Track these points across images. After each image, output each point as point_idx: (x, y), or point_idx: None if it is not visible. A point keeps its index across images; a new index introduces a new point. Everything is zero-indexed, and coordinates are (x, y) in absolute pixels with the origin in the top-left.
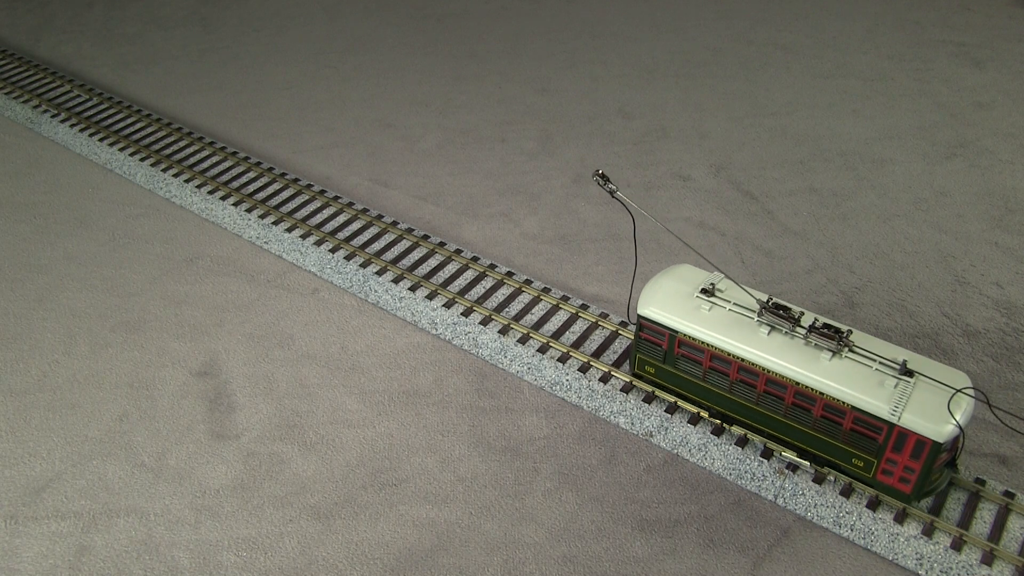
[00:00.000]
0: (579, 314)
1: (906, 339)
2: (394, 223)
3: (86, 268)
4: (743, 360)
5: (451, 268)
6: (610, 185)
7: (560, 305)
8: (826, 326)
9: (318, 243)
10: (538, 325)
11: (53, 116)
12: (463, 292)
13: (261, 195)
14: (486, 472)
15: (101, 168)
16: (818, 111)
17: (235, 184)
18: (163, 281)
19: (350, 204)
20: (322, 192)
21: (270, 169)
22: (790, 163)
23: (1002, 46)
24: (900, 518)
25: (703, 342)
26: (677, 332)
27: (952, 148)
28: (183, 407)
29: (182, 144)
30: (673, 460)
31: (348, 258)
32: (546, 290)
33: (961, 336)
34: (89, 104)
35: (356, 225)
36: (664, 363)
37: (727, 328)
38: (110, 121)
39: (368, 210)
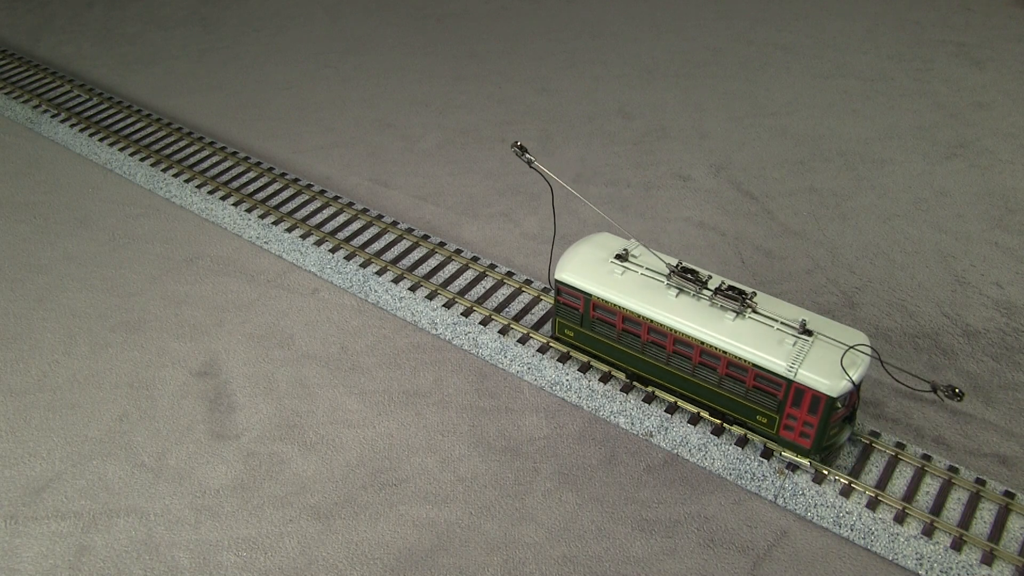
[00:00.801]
0: None
1: (906, 339)
2: (394, 223)
3: (86, 268)
4: (652, 321)
5: (451, 268)
6: (527, 156)
7: None
8: (731, 288)
9: (318, 243)
10: (538, 325)
11: (53, 116)
12: (463, 292)
13: (261, 195)
14: (486, 472)
15: (101, 168)
16: (818, 111)
17: (235, 184)
18: (163, 281)
19: (350, 204)
20: (322, 192)
21: (270, 169)
22: (790, 163)
23: (1002, 46)
24: (900, 518)
25: (616, 305)
26: (591, 295)
27: (952, 148)
28: (183, 407)
29: (182, 144)
30: (673, 460)
31: (348, 258)
32: (546, 290)
33: (961, 336)
34: (89, 104)
35: (356, 225)
36: (581, 326)
37: (638, 291)
38: (110, 121)
39: (368, 210)
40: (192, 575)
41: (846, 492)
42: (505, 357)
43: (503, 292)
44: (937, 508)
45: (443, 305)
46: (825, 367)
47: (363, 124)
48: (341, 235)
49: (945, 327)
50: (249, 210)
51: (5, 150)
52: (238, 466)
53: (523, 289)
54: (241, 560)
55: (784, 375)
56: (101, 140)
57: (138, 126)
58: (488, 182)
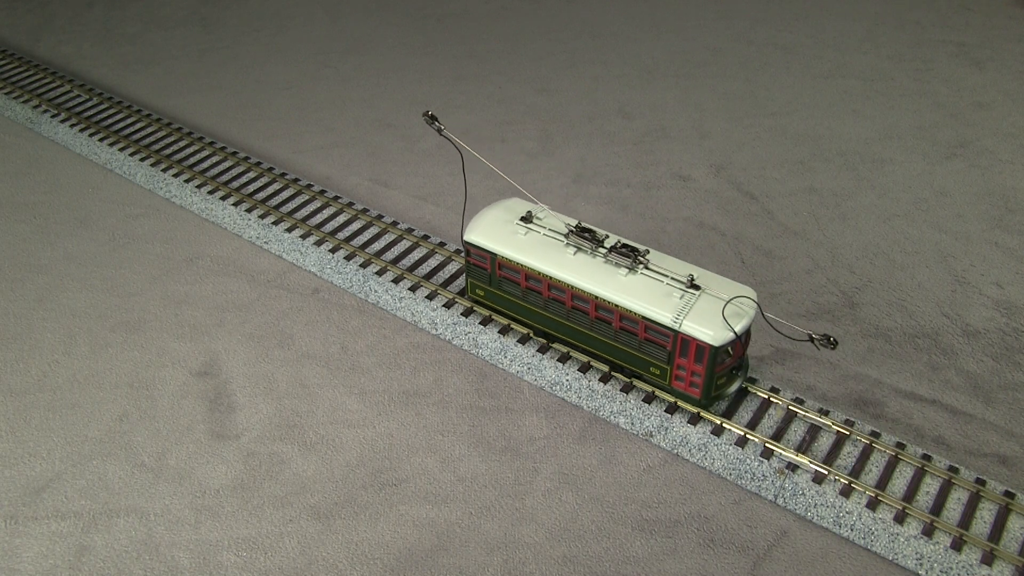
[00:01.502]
0: None
1: (906, 339)
2: (394, 223)
3: (86, 268)
4: (552, 278)
5: (451, 268)
6: (437, 124)
7: None
8: (624, 246)
9: (318, 243)
10: None
11: (53, 116)
12: (463, 292)
13: (261, 195)
14: (486, 472)
15: (101, 168)
16: (818, 111)
17: (235, 184)
18: (163, 281)
19: (350, 204)
20: (322, 192)
21: (270, 169)
22: (790, 163)
23: (1002, 46)
24: (900, 518)
25: (518, 263)
26: (497, 255)
27: (952, 148)
28: (183, 407)
29: (182, 144)
30: (673, 460)
31: (348, 258)
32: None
33: (961, 336)
34: (89, 104)
35: (356, 225)
36: (490, 285)
37: (538, 250)
38: (110, 121)
39: (368, 210)
40: (192, 575)
41: (846, 492)
42: (505, 357)
43: None
44: (937, 508)
45: (443, 305)
46: (708, 318)
47: (363, 124)
48: (341, 235)
49: (945, 327)
50: (249, 210)
51: (5, 150)
52: (238, 466)
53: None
54: (241, 560)
55: (670, 326)
56: (101, 140)
57: (138, 126)
58: (488, 182)
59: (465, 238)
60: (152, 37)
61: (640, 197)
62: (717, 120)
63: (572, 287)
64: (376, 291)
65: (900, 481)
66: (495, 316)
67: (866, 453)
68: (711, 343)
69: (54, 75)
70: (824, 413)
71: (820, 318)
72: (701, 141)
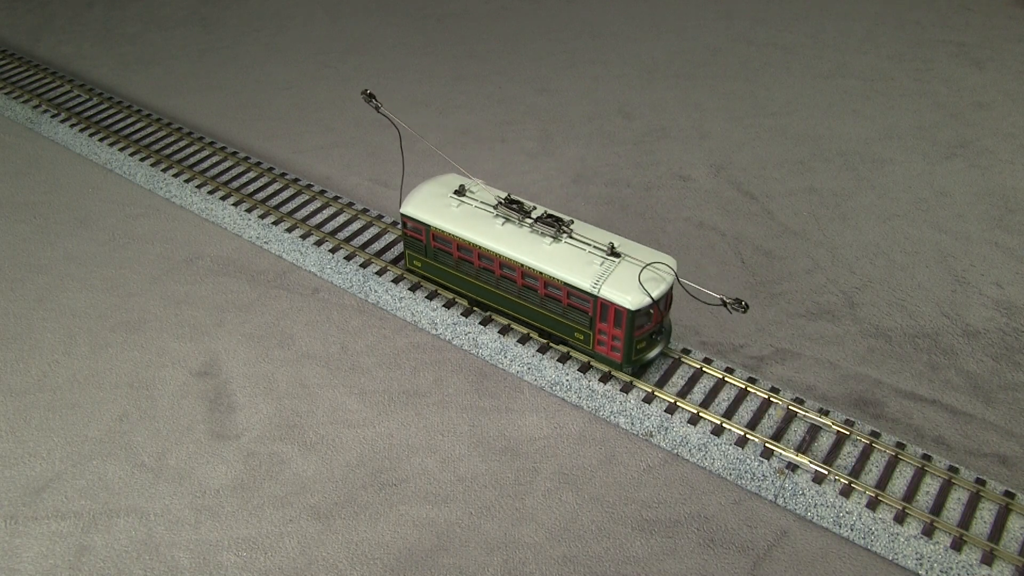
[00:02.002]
0: None
1: (906, 339)
2: (394, 223)
3: (86, 268)
4: (481, 248)
5: None
6: (375, 102)
7: None
8: (550, 216)
9: (318, 243)
10: None
11: (53, 116)
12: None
13: (261, 195)
14: (486, 472)
15: (101, 168)
16: (818, 111)
17: (235, 184)
18: (163, 281)
19: (350, 204)
20: (322, 192)
21: (270, 169)
22: (790, 163)
23: (1002, 46)
24: (900, 518)
25: (450, 234)
26: (431, 226)
27: (952, 148)
28: (183, 407)
29: (182, 144)
30: (673, 460)
31: (348, 258)
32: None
33: (961, 336)
34: (89, 104)
35: (356, 225)
36: (426, 257)
37: (468, 221)
38: (110, 121)
39: (368, 210)
40: (192, 575)
41: (846, 492)
42: (505, 357)
43: None
44: (937, 508)
45: (443, 305)
46: (626, 284)
47: (363, 124)
48: (341, 235)
49: (945, 327)
50: (249, 210)
51: (5, 150)
52: (238, 466)
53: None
54: (241, 560)
55: (590, 292)
56: (101, 140)
57: (138, 126)
58: (488, 182)
59: (401, 211)
60: (152, 37)
61: (640, 197)
62: (717, 120)
63: (500, 256)
64: (376, 291)
65: (900, 481)
66: (428, 285)
67: (866, 453)
68: (628, 307)
69: (54, 75)
70: (824, 413)
71: (820, 318)
72: (701, 141)
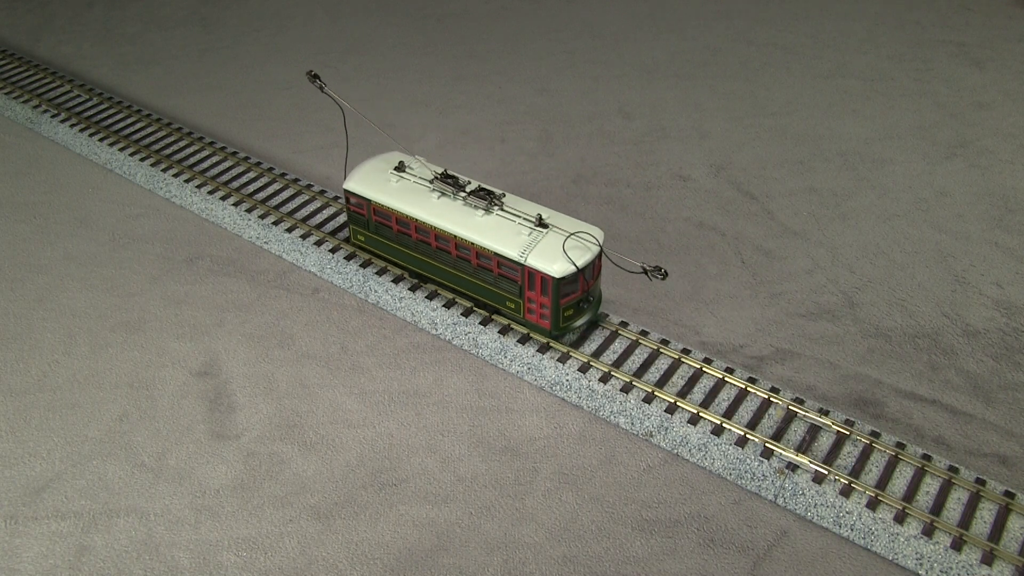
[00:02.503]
0: None
1: (906, 339)
2: None
3: (86, 268)
4: (418, 221)
5: None
6: (319, 82)
7: None
8: (482, 189)
9: (318, 243)
10: None
11: (53, 116)
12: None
13: (261, 195)
14: (486, 472)
15: (101, 168)
16: (818, 111)
17: (235, 184)
18: (163, 281)
19: None
20: (322, 192)
21: (270, 169)
22: (790, 163)
23: (1002, 46)
24: (900, 518)
25: (389, 208)
26: (372, 201)
27: (952, 148)
28: (183, 407)
29: (182, 144)
30: (673, 460)
31: (348, 258)
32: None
33: (961, 336)
34: (89, 104)
35: None
36: (368, 230)
37: (406, 196)
38: (110, 121)
39: None
40: (192, 575)
41: (846, 492)
42: (505, 357)
43: None
44: (937, 508)
45: (443, 305)
46: (551, 253)
47: (363, 124)
48: (341, 235)
49: (945, 327)
50: (249, 210)
51: (5, 150)
52: (238, 466)
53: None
54: (241, 560)
55: (518, 260)
56: (101, 140)
57: (138, 126)
58: (488, 182)
59: (344, 186)
60: (152, 37)
61: (640, 197)
62: (717, 120)
63: (435, 228)
64: (376, 291)
65: (900, 481)
66: (376, 260)
67: (866, 453)
68: (553, 275)
69: (54, 75)
70: (824, 413)
71: (820, 318)
72: (701, 141)
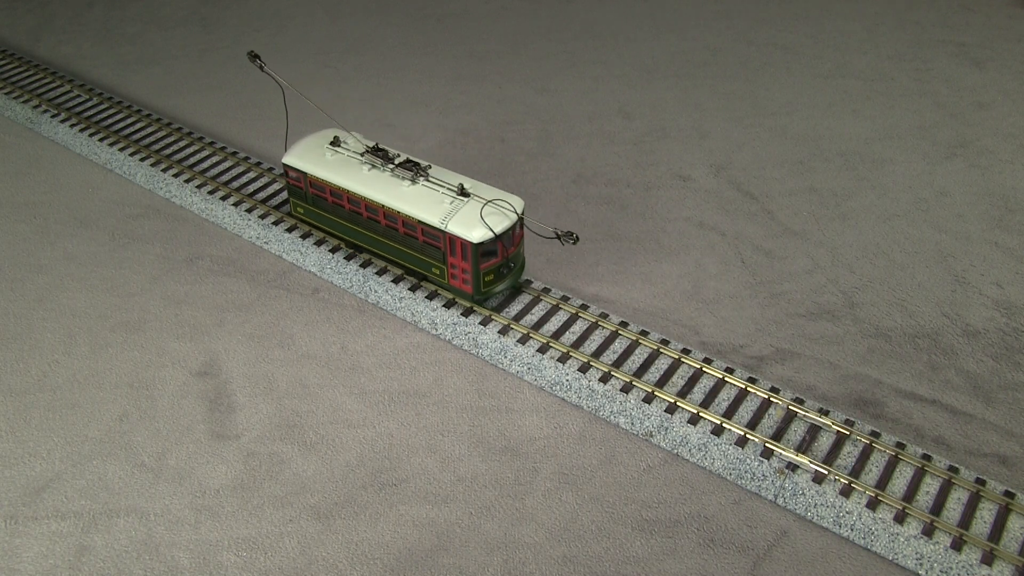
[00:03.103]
0: (579, 314)
1: (906, 339)
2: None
3: (86, 268)
4: (349, 192)
5: None
6: (259, 61)
7: (560, 305)
8: (409, 161)
9: (318, 243)
10: (538, 325)
11: (53, 116)
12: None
13: (261, 195)
14: (486, 472)
15: (101, 168)
16: (818, 111)
17: (235, 184)
18: (163, 281)
19: None
20: None
21: (270, 169)
22: (790, 163)
23: (1002, 46)
24: (900, 518)
25: (323, 180)
26: (308, 174)
27: (952, 148)
28: (183, 407)
29: (182, 144)
30: (673, 460)
31: (348, 258)
32: (546, 290)
33: (961, 336)
34: (89, 104)
35: None
36: (306, 202)
37: (339, 168)
38: (110, 121)
39: None
40: (192, 575)
41: (846, 492)
42: (505, 357)
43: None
44: (937, 508)
45: (443, 305)
46: (470, 220)
47: (363, 124)
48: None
49: (945, 327)
50: (249, 210)
51: (5, 150)
52: (238, 466)
53: (523, 289)
54: (241, 560)
55: (439, 227)
56: (101, 140)
57: (138, 126)
58: (488, 182)
59: (283, 161)
60: (152, 37)
61: (640, 197)
62: (717, 120)
63: (365, 199)
64: (376, 291)
65: (900, 481)
66: (317, 234)
67: (866, 453)
68: (472, 240)
69: (54, 75)
70: (824, 413)
71: (820, 318)
72: (701, 141)
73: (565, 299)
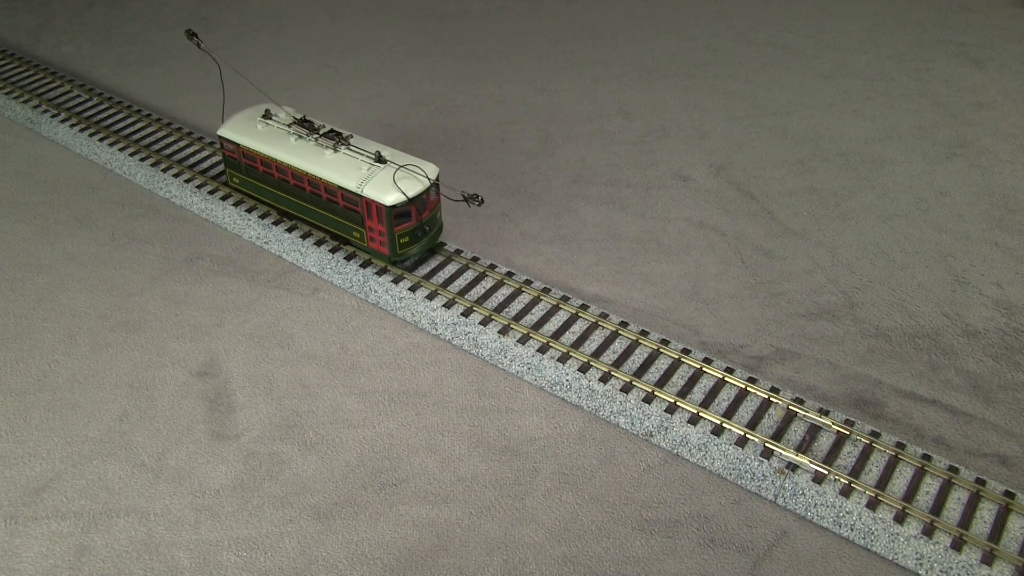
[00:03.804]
0: (579, 314)
1: (906, 339)
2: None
3: (86, 268)
4: (277, 161)
5: (451, 268)
6: (196, 39)
7: (560, 305)
8: (331, 131)
9: (318, 243)
10: (538, 325)
11: (53, 116)
12: (463, 292)
13: None
14: (486, 472)
15: (101, 168)
16: (818, 111)
17: None
18: (163, 281)
19: None
20: None
21: None
22: (790, 163)
23: (1002, 46)
24: (900, 518)
25: (253, 150)
26: (240, 145)
27: (952, 148)
28: (183, 407)
29: (182, 144)
30: (673, 460)
31: (348, 258)
32: (546, 290)
33: (961, 336)
34: (89, 104)
35: None
36: (240, 172)
37: (267, 138)
38: (110, 121)
39: None
40: (192, 575)
41: (846, 492)
42: (505, 357)
43: (503, 292)
44: (937, 508)
45: (443, 305)
46: (384, 184)
47: (363, 124)
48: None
49: (945, 327)
50: (249, 210)
51: (5, 150)
52: (238, 466)
53: (523, 289)
54: (241, 560)
55: (355, 191)
56: (101, 140)
57: (138, 126)
58: (488, 182)
59: (218, 133)
60: (152, 37)
61: (640, 197)
62: (717, 120)
63: (291, 167)
64: (376, 291)
65: (900, 481)
66: (248, 200)
67: (866, 453)
68: (385, 203)
69: (54, 75)
70: (824, 413)
71: (820, 318)
72: (701, 141)
73: (565, 299)
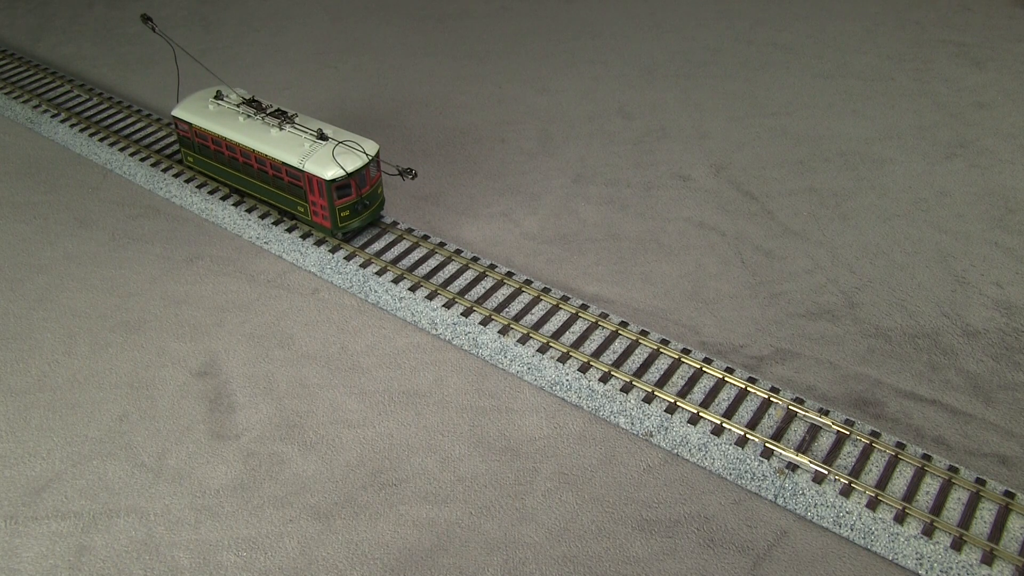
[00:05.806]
0: (579, 314)
1: (906, 339)
2: (394, 223)
3: (86, 268)
4: (226, 139)
5: (451, 268)
6: (151, 23)
7: (560, 305)
8: (277, 110)
9: (318, 243)
10: (538, 325)
11: (53, 116)
12: (463, 292)
13: None
14: (486, 472)
15: (101, 168)
16: (818, 111)
17: None
18: (163, 281)
19: None
20: None
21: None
22: (790, 163)
23: (1002, 46)
24: (900, 518)
25: (204, 129)
26: (192, 124)
27: (952, 148)
28: (183, 407)
29: None
30: (673, 460)
31: (348, 258)
32: (546, 290)
33: (961, 336)
34: (89, 104)
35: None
36: (194, 151)
37: (218, 119)
38: (110, 121)
39: None
40: (192, 575)
41: (846, 492)
42: (505, 357)
43: (503, 292)
44: (937, 508)
45: (443, 305)
46: (324, 160)
47: (363, 124)
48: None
49: (945, 327)
50: (249, 210)
51: (5, 150)
52: (238, 466)
53: (523, 289)
54: (241, 560)
55: (298, 166)
56: (101, 140)
57: (138, 126)
58: (488, 182)
59: (172, 113)
60: (152, 37)
61: (640, 197)
62: (717, 120)
63: (239, 145)
64: (376, 291)
65: (900, 481)
66: (201, 177)
67: (866, 453)
68: (325, 178)
69: (54, 75)
70: (824, 413)
71: (820, 318)
72: (701, 141)
73: (565, 299)
